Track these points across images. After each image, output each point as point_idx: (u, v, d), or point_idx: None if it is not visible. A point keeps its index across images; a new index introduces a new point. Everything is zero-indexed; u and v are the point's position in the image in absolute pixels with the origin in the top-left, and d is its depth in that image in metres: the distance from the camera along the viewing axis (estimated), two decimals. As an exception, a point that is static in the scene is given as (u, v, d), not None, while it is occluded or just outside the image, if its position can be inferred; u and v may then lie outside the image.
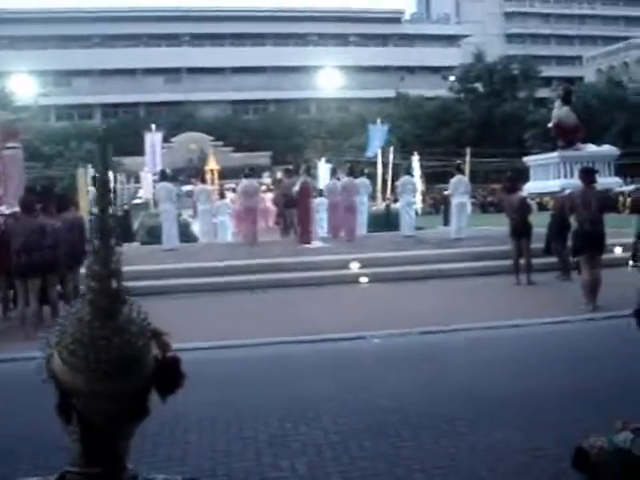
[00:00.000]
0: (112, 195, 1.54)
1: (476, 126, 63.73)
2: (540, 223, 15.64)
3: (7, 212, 12.16)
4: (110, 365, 1.38)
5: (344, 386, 7.59)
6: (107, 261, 1.45)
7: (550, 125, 25.81)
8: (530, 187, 23.98)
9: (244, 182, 19.54)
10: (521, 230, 14.23)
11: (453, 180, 19.28)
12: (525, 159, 29.82)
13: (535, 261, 14.62)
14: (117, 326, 1.41)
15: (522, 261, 14.36)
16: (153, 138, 24.83)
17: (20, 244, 10.65)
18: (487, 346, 9.32)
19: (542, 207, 24.43)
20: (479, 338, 9.77)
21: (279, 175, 36.28)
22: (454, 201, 19.26)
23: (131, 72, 78.10)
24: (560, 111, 25.41)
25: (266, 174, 38.88)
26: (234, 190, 29.77)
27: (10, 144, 13.26)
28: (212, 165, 40.64)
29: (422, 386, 7.47)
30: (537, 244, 15.11)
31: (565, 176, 23.89)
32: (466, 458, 5.48)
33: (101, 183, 1.51)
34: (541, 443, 5.62)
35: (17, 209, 11.63)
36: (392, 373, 8.01)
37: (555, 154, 25.40)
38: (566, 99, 26.08)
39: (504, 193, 15.82)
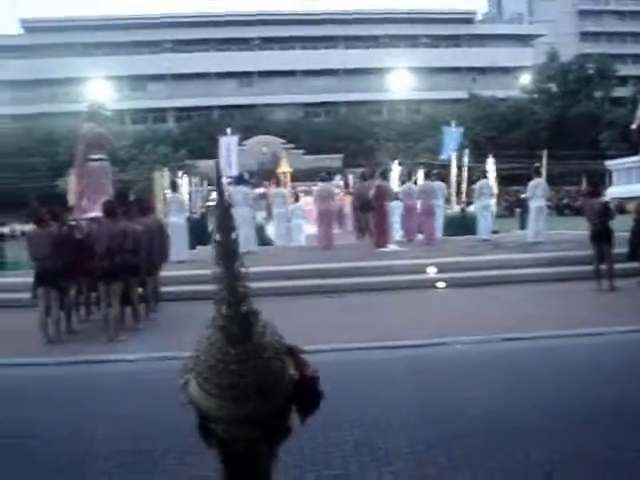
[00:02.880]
0: (233, 221, 1.52)
1: (550, 127, 62.70)
2: (621, 227, 15.24)
3: (91, 216, 12.36)
4: (245, 390, 1.35)
5: (427, 393, 7.49)
6: (234, 286, 1.43)
7: (633, 127, 25.13)
8: (613, 191, 23.44)
9: (320, 185, 19.59)
10: (603, 235, 13.88)
11: (531, 183, 19.01)
12: (607, 163, 29.20)
13: (617, 266, 14.25)
14: (250, 350, 1.38)
15: (603, 267, 14.01)
16: (229, 141, 25.04)
17: (103, 248, 10.84)
18: (570, 354, 9.10)
19: (622, 211, 23.85)
20: (561, 346, 9.56)
21: (350, 178, 36.37)
22: (532, 205, 18.97)
23: (204, 76, 79.09)
24: (642, 113, 24.72)
25: (338, 177, 38.92)
26: (308, 192, 29.96)
27: (96, 155, 13.40)
28: (284, 168, 40.89)
29: (506, 394, 7.33)
30: (618, 249, 14.72)
31: (649, 180, 23.31)
32: (564, 469, 5.33)
33: (222, 210, 1.49)
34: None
35: (99, 214, 11.83)
36: (475, 381, 7.89)
37: (638, 158, 24.74)
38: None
39: (587, 197, 15.48)
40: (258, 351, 1.40)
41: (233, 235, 1.50)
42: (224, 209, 1.52)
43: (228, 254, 1.47)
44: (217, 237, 1.53)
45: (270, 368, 1.40)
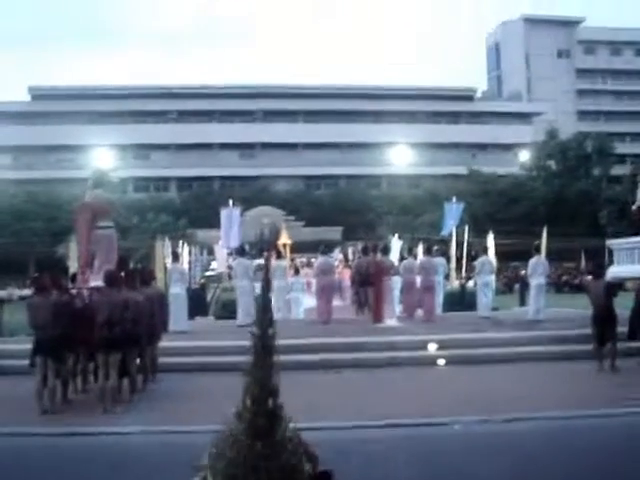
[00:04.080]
0: (270, 316, 1.53)
1: (549, 204, 63.13)
2: (620, 305, 15.18)
3: (92, 285, 12.33)
4: None
5: (424, 475, 7.37)
6: (266, 381, 1.43)
7: (634, 207, 25.24)
8: (614, 270, 23.42)
9: (320, 259, 19.63)
10: (606, 317, 13.82)
11: (532, 261, 19.07)
12: (609, 242, 29.19)
13: (619, 346, 14.15)
14: (274, 445, 1.38)
15: (605, 347, 13.91)
16: (230, 213, 25.16)
17: (103, 318, 10.79)
18: (572, 436, 8.99)
19: (621, 288, 23.80)
20: (563, 427, 9.45)
21: (350, 251, 36.46)
22: (532, 282, 18.99)
23: (207, 147, 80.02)
24: (645, 192, 24.87)
25: (337, 250, 39.02)
26: (308, 265, 29.97)
27: (103, 223, 13.42)
28: (284, 239, 41.04)
29: (513, 477, 7.21)
30: (619, 328, 14.65)
31: (652, 261, 23.26)
32: None
33: (263, 305, 1.51)
34: None
35: (101, 282, 11.79)
36: (477, 463, 7.77)
37: None
38: (651, 180, 25.65)
39: (590, 277, 15.47)
40: (283, 446, 1.39)
41: (270, 331, 1.51)
42: (265, 305, 1.54)
43: (264, 348, 1.48)
44: (255, 330, 1.54)
45: (292, 464, 1.39)
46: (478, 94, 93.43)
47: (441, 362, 14.53)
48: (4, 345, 16.02)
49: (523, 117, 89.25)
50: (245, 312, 18.58)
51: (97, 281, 12.18)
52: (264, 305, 1.50)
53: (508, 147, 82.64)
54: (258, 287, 23.88)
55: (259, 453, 1.36)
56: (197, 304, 22.57)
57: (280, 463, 1.36)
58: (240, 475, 1.35)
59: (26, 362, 11.22)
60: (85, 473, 7.74)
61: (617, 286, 15.47)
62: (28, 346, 11.38)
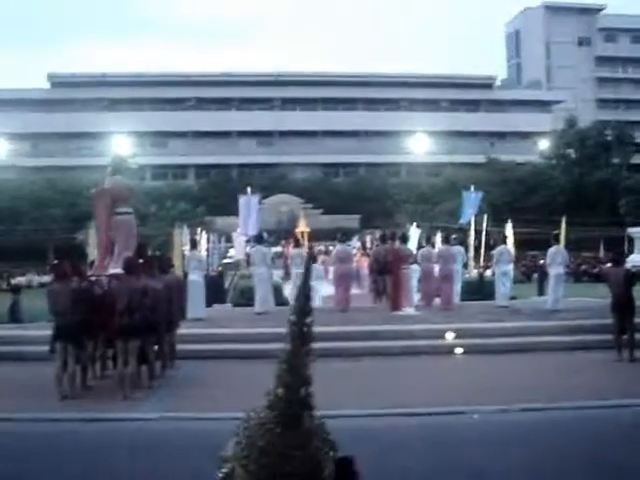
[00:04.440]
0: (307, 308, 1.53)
1: (567, 192, 62.71)
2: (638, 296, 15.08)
3: (111, 272, 12.39)
4: (297, 476, 1.35)
5: (442, 464, 7.38)
6: (300, 369, 1.44)
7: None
8: (634, 259, 23.30)
9: (338, 247, 19.63)
10: (625, 304, 13.74)
11: (551, 250, 18.96)
12: (629, 230, 29.06)
13: (638, 336, 14.08)
14: (304, 434, 1.38)
15: (624, 336, 13.86)
16: (249, 200, 25.15)
17: (123, 305, 10.86)
18: (591, 426, 8.98)
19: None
20: (582, 417, 9.44)
21: (368, 239, 36.42)
22: (551, 272, 18.88)
23: (225, 134, 79.97)
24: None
25: (355, 238, 38.96)
26: (326, 252, 29.97)
27: (122, 209, 13.43)
28: (302, 227, 41.06)
29: (530, 468, 7.21)
30: (637, 318, 14.57)
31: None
32: None
33: (302, 293, 1.51)
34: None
35: (120, 269, 11.85)
36: (495, 453, 7.77)
37: None
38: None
39: (609, 265, 15.37)
40: (312, 435, 1.40)
41: (308, 319, 1.52)
42: (305, 293, 1.54)
43: (301, 336, 1.48)
44: (292, 318, 1.55)
45: (320, 454, 1.40)
46: (497, 82, 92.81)
47: (459, 351, 14.52)
48: (24, 331, 16.15)
49: (542, 105, 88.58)
50: (263, 299, 18.63)
51: (116, 268, 12.23)
52: (304, 292, 1.50)
53: (527, 135, 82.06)
54: (276, 274, 23.99)
55: (290, 442, 1.37)
56: (215, 291, 22.60)
57: (310, 452, 1.37)
58: (271, 464, 1.36)
59: (46, 348, 11.32)
60: (105, 458, 7.81)
61: (637, 275, 15.33)
62: (48, 332, 11.48)
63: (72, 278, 11.37)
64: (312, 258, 23.14)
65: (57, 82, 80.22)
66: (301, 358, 1.44)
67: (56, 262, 14.12)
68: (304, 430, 1.40)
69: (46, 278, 32.40)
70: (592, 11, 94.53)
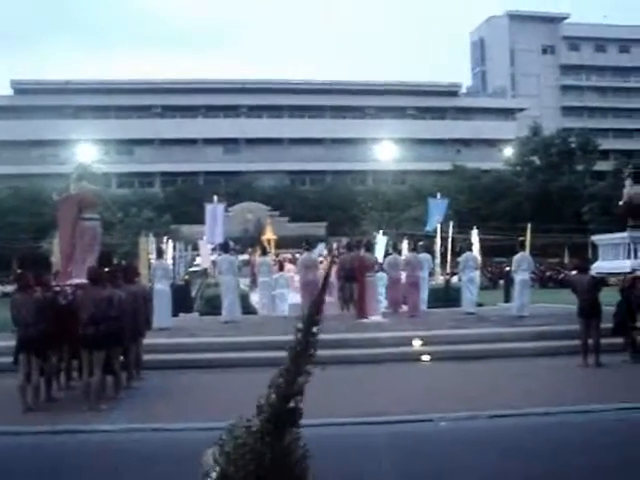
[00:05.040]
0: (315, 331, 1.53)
1: (532, 199, 63.35)
2: (604, 301, 15.25)
3: (76, 282, 12.23)
4: None
5: (411, 472, 7.37)
6: (294, 382, 1.43)
7: (620, 203, 25.42)
8: (599, 266, 23.57)
9: (304, 255, 19.62)
10: (591, 310, 13.88)
11: (516, 257, 19.13)
12: (594, 237, 29.38)
13: (603, 341, 14.21)
14: (285, 448, 1.37)
15: (590, 341, 13.99)
16: (215, 208, 25.04)
17: (87, 315, 10.72)
18: (558, 432, 9.01)
19: (605, 285, 23.94)
20: (548, 423, 9.49)
21: (334, 246, 36.46)
22: (517, 278, 19.05)
23: (191, 142, 79.75)
24: (631, 189, 25.08)
25: (321, 245, 38.96)
26: (291, 261, 29.94)
27: (88, 215, 13.29)
28: (269, 234, 41.03)
29: (498, 474, 7.22)
30: (603, 324, 14.71)
31: (636, 257, 23.49)
32: None
33: (312, 308, 1.49)
34: None
35: (85, 280, 11.72)
36: (463, 459, 7.77)
37: (625, 234, 24.92)
38: (637, 177, 25.86)
39: (575, 272, 15.52)
40: (290, 449, 1.39)
41: (315, 329, 1.51)
42: (315, 309, 1.53)
43: (304, 350, 1.48)
44: (299, 326, 1.55)
45: (297, 470, 1.39)
46: (463, 90, 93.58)
47: (426, 358, 14.56)
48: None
49: (507, 113, 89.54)
50: (230, 308, 18.55)
51: (80, 276, 12.08)
52: (315, 309, 1.50)
53: (492, 143, 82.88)
54: (242, 283, 23.90)
55: (278, 450, 1.35)
56: (181, 300, 22.47)
57: (291, 462, 1.36)
58: (251, 467, 1.34)
59: (9, 359, 11.15)
60: (70, 471, 7.70)
61: (601, 281, 15.52)
62: (11, 343, 11.31)
63: (36, 288, 11.21)
64: (280, 266, 23.16)
65: (20, 89, 79.46)
66: (298, 372, 1.44)
67: (19, 272, 13.94)
68: (287, 444, 1.39)
69: (9, 288, 32.00)
70: (556, 20, 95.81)
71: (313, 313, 1.49)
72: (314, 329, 1.47)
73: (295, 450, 1.40)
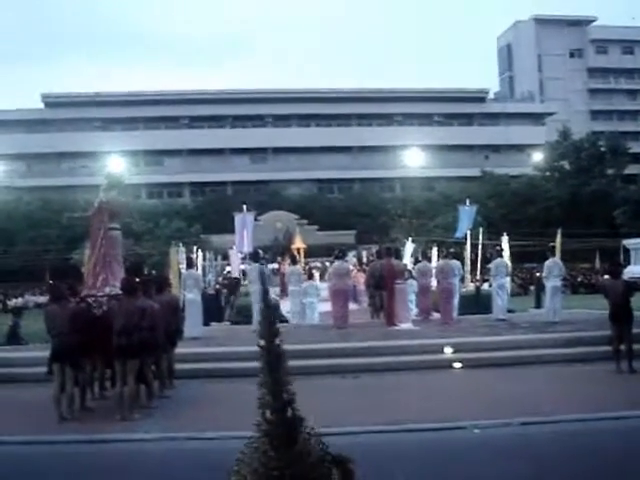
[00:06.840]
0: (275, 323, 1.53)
1: (563, 204, 62.89)
2: (635, 307, 15.07)
3: (109, 292, 12.35)
4: None
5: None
6: (279, 392, 1.44)
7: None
8: (631, 270, 23.31)
9: (335, 264, 19.61)
10: (623, 315, 13.73)
11: (547, 263, 19.00)
12: (626, 242, 29.08)
13: (636, 347, 14.06)
14: (293, 456, 1.38)
15: (622, 347, 13.83)
16: (244, 218, 25.16)
17: (121, 325, 10.82)
18: (592, 439, 8.92)
19: (637, 289, 23.69)
20: (582, 430, 9.38)
21: (363, 254, 36.42)
22: (548, 284, 18.91)
23: (219, 152, 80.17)
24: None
25: (351, 253, 38.95)
26: (319, 269, 29.95)
27: (114, 225, 13.43)
28: (298, 243, 41.07)
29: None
30: (636, 329, 14.54)
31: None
32: None
33: (266, 317, 1.51)
34: None
35: (116, 286, 11.84)
36: (496, 467, 7.73)
37: None
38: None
39: (607, 277, 15.36)
40: (302, 457, 1.39)
41: (277, 340, 1.51)
42: (268, 316, 1.53)
43: (272, 360, 1.48)
44: (261, 343, 1.54)
45: (313, 476, 1.39)
46: (490, 95, 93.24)
47: (457, 365, 14.48)
48: (21, 353, 16.08)
49: (536, 118, 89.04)
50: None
51: (114, 286, 12.17)
52: (269, 316, 1.51)
53: (521, 148, 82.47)
54: (272, 292, 23.93)
55: (275, 463, 1.36)
56: (212, 310, 22.57)
57: (303, 471, 1.36)
58: None
59: (43, 370, 11.26)
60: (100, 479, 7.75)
61: (634, 286, 15.32)
62: (45, 354, 11.43)
63: (69, 299, 11.33)
64: (309, 275, 23.16)
65: (51, 102, 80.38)
66: (277, 381, 1.44)
67: (53, 282, 14.10)
68: (296, 450, 1.40)
69: (42, 299, 32.32)
70: (583, 23, 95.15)
71: (269, 326, 1.50)
72: (276, 341, 1.47)
73: (310, 453, 1.41)
